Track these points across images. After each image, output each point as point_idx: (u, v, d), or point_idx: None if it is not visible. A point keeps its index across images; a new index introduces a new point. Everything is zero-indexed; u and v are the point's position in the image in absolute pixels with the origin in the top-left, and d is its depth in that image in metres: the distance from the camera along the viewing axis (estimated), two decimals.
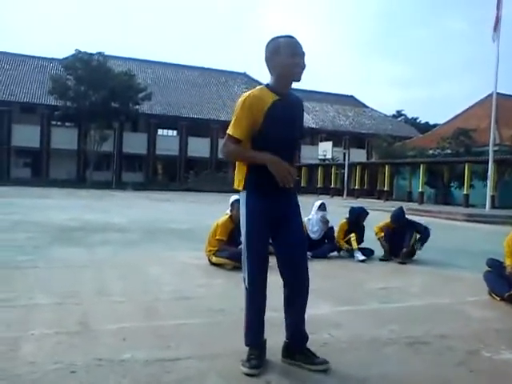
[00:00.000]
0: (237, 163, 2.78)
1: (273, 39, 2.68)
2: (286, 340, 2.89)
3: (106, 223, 10.67)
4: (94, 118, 35.60)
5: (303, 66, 2.67)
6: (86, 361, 2.70)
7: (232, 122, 2.66)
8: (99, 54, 36.64)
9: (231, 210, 6.02)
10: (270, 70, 2.71)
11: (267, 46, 2.70)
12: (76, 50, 36.49)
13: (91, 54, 36.22)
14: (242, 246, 2.81)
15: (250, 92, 2.67)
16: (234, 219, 5.96)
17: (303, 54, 2.67)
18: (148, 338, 3.18)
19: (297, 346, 2.82)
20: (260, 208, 2.69)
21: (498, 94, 21.36)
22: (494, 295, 4.66)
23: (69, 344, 2.97)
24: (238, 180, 2.77)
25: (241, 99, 2.64)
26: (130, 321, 3.53)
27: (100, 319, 3.55)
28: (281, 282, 5.28)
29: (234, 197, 6.83)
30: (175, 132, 44.68)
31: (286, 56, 2.61)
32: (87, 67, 35.18)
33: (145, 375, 2.57)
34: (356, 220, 7.18)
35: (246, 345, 2.82)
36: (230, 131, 2.66)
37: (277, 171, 2.56)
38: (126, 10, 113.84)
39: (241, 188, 2.75)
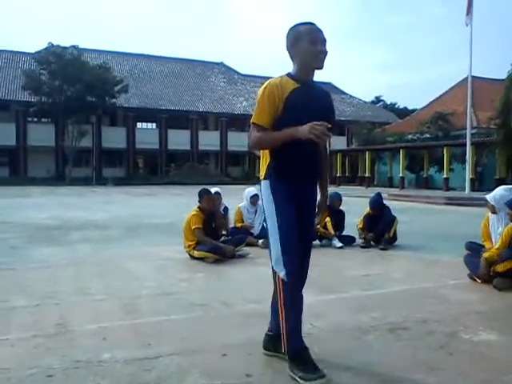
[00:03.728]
0: (261, 154, 2.73)
1: (293, 27, 2.65)
2: (270, 332, 2.85)
3: (87, 220, 10.53)
4: (70, 113, 34.95)
5: (325, 53, 2.60)
6: (63, 364, 2.65)
7: (255, 111, 2.64)
8: (73, 47, 35.82)
9: (200, 202, 6.01)
10: (291, 58, 2.68)
11: (288, 34, 2.66)
12: (49, 43, 35.66)
13: (64, 48, 35.42)
14: (273, 236, 2.59)
15: (270, 80, 2.64)
16: (203, 210, 5.95)
17: (324, 40, 2.61)
18: (129, 336, 3.15)
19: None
20: (288, 195, 2.61)
21: (474, 77, 21.60)
22: (474, 277, 4.72)
23: (46, 347, 2.91)
24: (262, 170, 2.71)
25: (262, 87, 2.62)
26: (111, 319, 3.49)
27: (79, 319, 3.48)
28: (261, 273, 5.30)
29: (215, 189, 6.81)
30: (154, 125, 44.23)
31: (307, 43, 2.57)
32: (61, 61, 34.41)
33: (125, 375, 2.53)
34: (330, 205, 7.19)
35: (293, 353, 2.52)
36: (253, 119, 2.64)
37: (309, 131, 2.40)
38: (99, 1, 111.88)
39: (263, 177, 2.69)
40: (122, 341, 3.04)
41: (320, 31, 2.61)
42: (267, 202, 2.66)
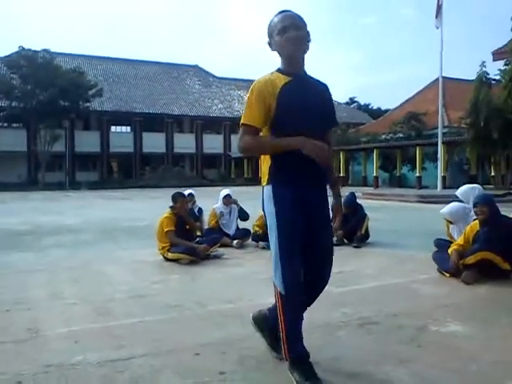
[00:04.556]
0: (261, 158, 2.52)
1: (269, 21, 2.50)
2: (267, 312, 2.77)
3: (60, 225, 10.38)
4: (42, 118, 34.29)
5: (296, 38, 2.38)
6: (33, 369, 2.62)
7: (244, 111, 2.44)
8: (44, 50, 35.18)
9: (173, 204, 6.01)
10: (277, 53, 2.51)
11: (267, 29, 2.52)
12: (19, 46, 34.96)
13: (36, 51, 34.81)
14: (273, 247, 2.42)
15: (260, 77, 2.47)
16: (176, 212, 5.96)
17: (295, 25, 2.39)
18: (101, 338, 3.13)
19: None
20: (290, 200, 2.40)
21: (445, 78, 22.07)
22: (443, 272, 4.84)
23: (16, 352, 2.88)
24: (263, 175, 2.51)
25: (251, 87, 2.44)
26: (83, 323, 3.47)
27: (51, 323, 3.45)
28: (236, 273, 5.32)
29: (188, 191, 6.80)
30: (129, 128, 43.79)
31: (278, 34, 2.41)
32: (32, 65, 33.76)
33: (97, 377, 2.53)
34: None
35: (292, 359, 2.44)
36: (242, 120, 2.41)
37: (310, 150, 2.27)
38: (72, 4, 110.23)
39: (265, 183, 2.49)
40: (94, 343, 3.03)
41: (290, 17, 2.42)
42: (268, 210, 2.46)
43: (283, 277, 2.36)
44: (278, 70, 2.50)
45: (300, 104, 2.40)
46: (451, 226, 5.33)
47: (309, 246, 2.47)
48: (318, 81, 2.60)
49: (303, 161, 2.35)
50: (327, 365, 2.63)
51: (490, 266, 4.53)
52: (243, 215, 7.16)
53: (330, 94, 2.61)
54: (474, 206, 4.71)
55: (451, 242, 5.10)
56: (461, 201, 5.31)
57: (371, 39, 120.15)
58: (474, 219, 4.83)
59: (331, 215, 2.63)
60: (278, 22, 2.42)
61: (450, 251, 4.80)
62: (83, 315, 3.67)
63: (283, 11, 2.47)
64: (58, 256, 6.46)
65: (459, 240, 4.87)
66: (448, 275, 4.75)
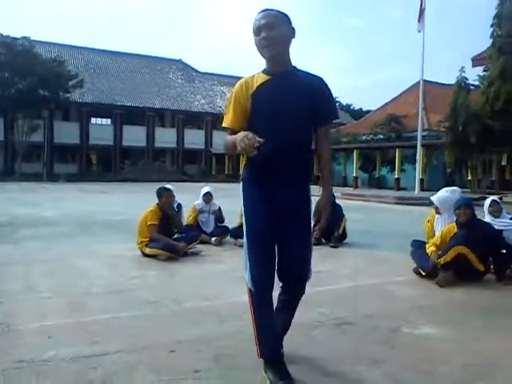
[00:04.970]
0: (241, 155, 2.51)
1: None
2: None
3: (36, 217, 10.22)
4: (21, 107, 33.60)
5: (264, 40, 2.36)
6: (4, 364, 2.57)
7: (225, 113, 2.50)
8: (24, 38, 34.51)
9: (159, 199, 5.98)
10: None
11: None
12: None
13: (15, 38, 34.10)
14: (244, 244, 2.48)
15: (243, 78, 2.50)
16: (161, 207, 5.93)
17: (269, 25, 2.35)
18: (75, 334, 3.10)
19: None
20: (258, 196, 2.43)
21: (426, 81, 22.36)
22: (420, 271, 4.90)
23: None
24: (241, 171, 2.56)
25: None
26: (58, 317, 3.42)
27: (24, 318, 3.40)
28: (214, 270, 5.31)
29: (168, 186, 6.75)
30: (109, 120, 43.28)
31: (254, 35, 2.41)
32: (11, 52, 33.05)
33: (70, 373, 2.50)
34: None
35: (266, 358, 2.45)
36: (223, 122, 2.48)
37: (238, 143, 2.19)
38: None
39: (240, 179, 2.54)
40: (67, 339, 2.99)
41: (265, 16, 2.38)
42: (241, 205, 2.50)
43: (252, 274, 2.38)
44: (264, 70, 2.49)
45: (270, 103, 2.39)
46: (436, 217, 5.32)
47: (283, 244, 2.45)
48: (311, 76, 2.51)
49: (275, 156, 2.35)
50: (302, 364, 2.65)
51: (466, 265, 4.61)
52: (221, 218, 7.19)
53: (323, 89, 2.50)
54: (458, 208, 4.78)
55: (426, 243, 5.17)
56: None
57: (357, 40, 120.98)
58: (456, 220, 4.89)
59: (312, 213, 2.58)
60: (254, 23, 2.41)
61: (428, 251, 4.86)
62: (57, 309, 3.63)
63: (262, 11, 2.44)
64: (33, 248, 6.36)
65: (435, 239, 4.94)
66: (424, 273, 4.82)
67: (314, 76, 2.53)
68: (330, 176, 2.67)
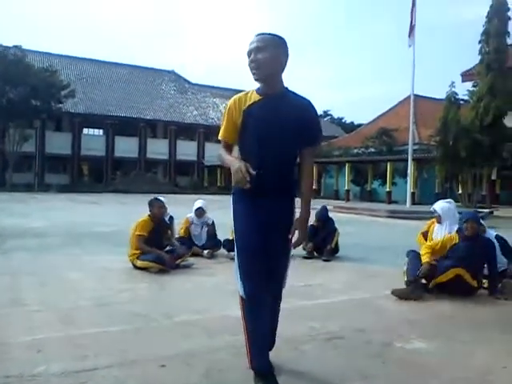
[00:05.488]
0: None
1: None
2: None
3: (26, 228, 10.14)
4: (12, 117, 33.42)
5: (253, 62, 2.48)
6: None
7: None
8: (16, 47, 34.39)
9: (150, 210, 5.97)
10: None
11: None
12: None
13: (6, 47, 34.01)
14: (235, 257, 2.56)
15: (236, 95, 2.62)
16: (153, 218, 5.92)
17: (259, 48, 2.46)
18: (65, 348, 3.06)
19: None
20: (248, 211, 2.52)
21: (417, 96, 22.59)
22: (405, 274, 4.90)
23: None
24: None
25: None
26: (47, 331, 3.38)
27: (12, 332, 3.36)
28: (205, 283, 5.30)
29: (159, 198, 6.74)
30: (101, 131, 43.19)
31: (247, 57, 2.53)
32: (3, 61, 32.85)
33: None
34: None
35: (256, 371, 2.48)
36: (219, 135, 2.63)
37: (233, 174, 2.37)
38: (46, 3, 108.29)
39: (232, 191, 2.63)
40: (57, 353, 2.96)
41: (258, 40, 2.48)
42: (232, 217, 2.60)
43: (244, 286, 2.46)
44: (257, 89, 2.59)
45: (259, 122, 2.50)
46: (437, 226, 5.45)
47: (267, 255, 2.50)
48: (300, 99, 2.59)
49: (263, 171, 2.43)
50: (291, 378, 2.65)
51: (461, 283, 4.65)
52: (213, 233, 7.17)
53: (311, 112, 2.60)
54: (466, 221, 4.85)
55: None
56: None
57: (349, 54, 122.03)
58: (458, 228, 5.00)
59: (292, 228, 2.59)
60: (248, 46, 2.52)
61: (422, 258, 4.83)
62: (46, 323, 3.59)
63: (257, 34, 2.52)
64: (21, 260, 6.30)
65: (434, 243, 4.98)
66: (405, 279, 4.82)
67: (303, 99, 2.61)
68: (311, 193, 2.71)
